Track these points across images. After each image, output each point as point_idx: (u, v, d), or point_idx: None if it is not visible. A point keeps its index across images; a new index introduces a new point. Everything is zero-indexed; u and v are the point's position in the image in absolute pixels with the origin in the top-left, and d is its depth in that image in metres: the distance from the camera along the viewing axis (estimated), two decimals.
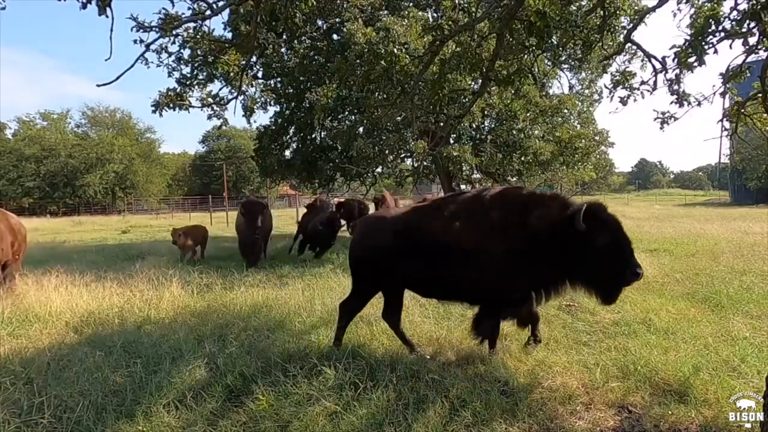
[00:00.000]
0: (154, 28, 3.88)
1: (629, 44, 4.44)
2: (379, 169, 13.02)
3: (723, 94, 4.01)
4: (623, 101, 4.55)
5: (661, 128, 4.35)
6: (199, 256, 9.91)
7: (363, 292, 3.85)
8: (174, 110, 6.70)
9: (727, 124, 4.94)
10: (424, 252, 3.50)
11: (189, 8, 4.92)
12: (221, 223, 21.81)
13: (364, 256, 3.79)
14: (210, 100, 7.64)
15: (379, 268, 3.69)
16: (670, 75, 3.97)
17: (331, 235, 9.68)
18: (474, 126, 11.08)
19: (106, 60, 3.33)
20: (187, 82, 8.24)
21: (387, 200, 11.84)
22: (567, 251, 3.16)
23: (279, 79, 12.26)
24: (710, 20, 3.39)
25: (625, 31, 4.52)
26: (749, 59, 3.77)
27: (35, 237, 17.57)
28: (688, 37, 3.49)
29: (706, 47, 3.42)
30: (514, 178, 11.86)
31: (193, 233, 9.73)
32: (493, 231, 3.32)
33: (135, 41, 4.49)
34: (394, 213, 3.93)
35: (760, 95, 3.61)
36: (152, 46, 4.22)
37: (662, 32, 5.25)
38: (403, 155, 12.37)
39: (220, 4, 3.88)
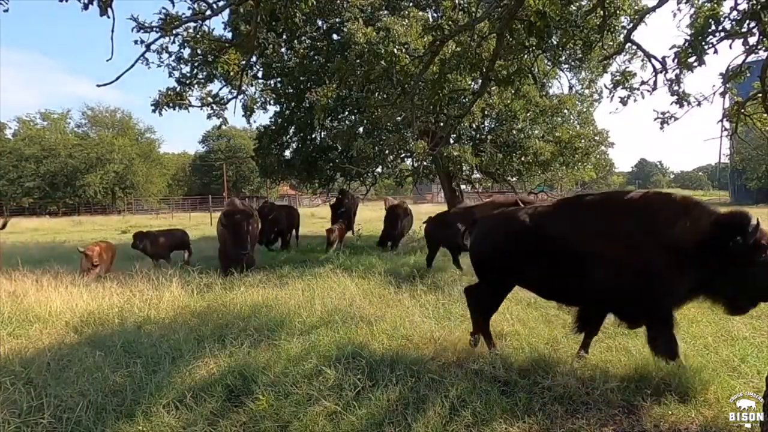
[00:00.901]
0: (154, 28, 3.89)
1: (629, 44, 4.46)
2: (379, 169, 13.03)
3: (723, 94, 4.02)
4: (623, 101, 4.56)
5: (661, 128, 4.37)
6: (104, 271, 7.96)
7: (490, 288, 3.86)
8: (174, 109, 6.68)
9: (727, 124, 4.95)
10: (544, 254, 3.41)
11: (189, 8, 4.93)
12: None
13: (484, 255, 3.83)
14: (210, 99, 7.63)
15: (497, 267, 3.72)
16: (670, 75, 3.99)
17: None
18: (474, 126, 11.08)
19: (107, 60, 3.36)
20: (187, 82, 8.22)
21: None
22: (715, 264, 2.94)
23: (279, 79, 12.25)
24: (710, 20, 3.40)
25: (625, 31, 4.53)
26: (749, 59, 3.79)
27: (35, 237, 17.63)
28: (688, 37, 3.50)
29: (706, 47, 3.43)
30: (514, 178, 11.86)
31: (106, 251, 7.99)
32: (630, 238, 3.10)
33: (135, 41, 4.50)
34: (516, 213, 3.83)
35: (760, 95, 3.62)
36: (152, 46, 4.23)
37: (662, 32, 5.26)
38: (403, 155, 12.36)
39: (220, 4, 3.89)
